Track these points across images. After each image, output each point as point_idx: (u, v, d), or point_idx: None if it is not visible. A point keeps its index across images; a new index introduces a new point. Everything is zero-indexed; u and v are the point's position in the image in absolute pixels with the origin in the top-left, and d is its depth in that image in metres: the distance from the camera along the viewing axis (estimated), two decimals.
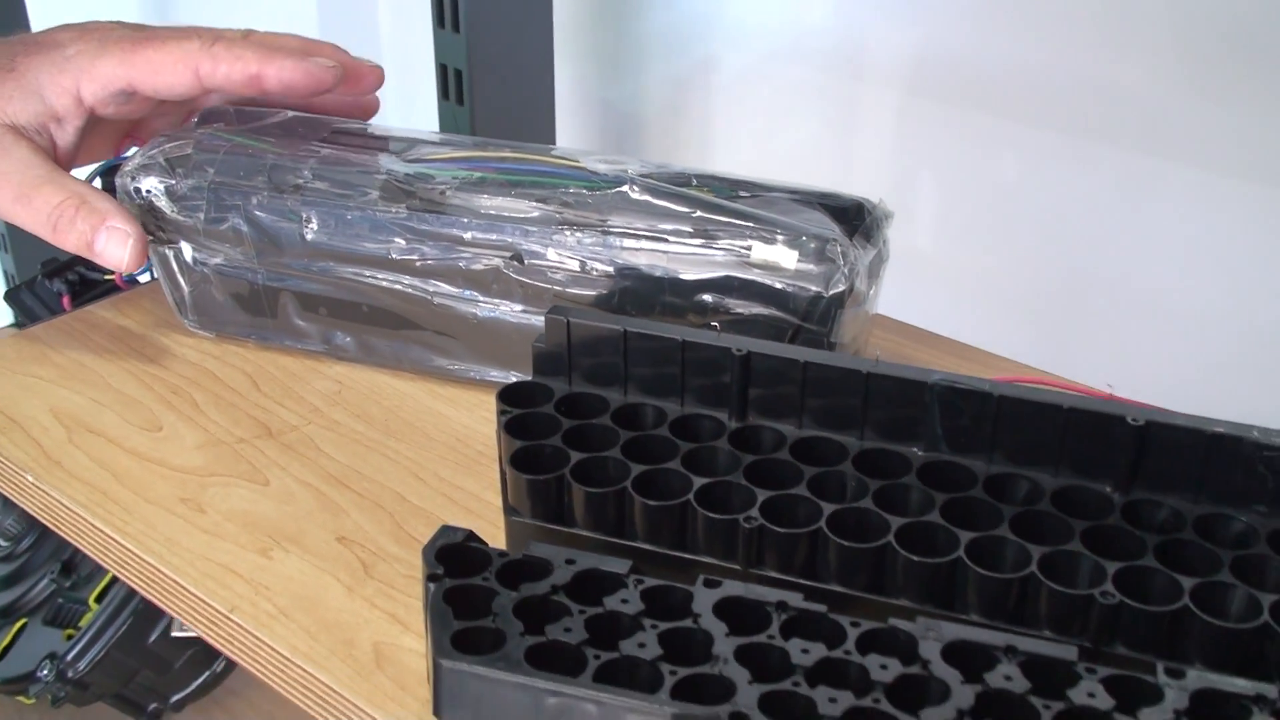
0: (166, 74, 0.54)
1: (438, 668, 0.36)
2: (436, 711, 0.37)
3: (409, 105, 0.92)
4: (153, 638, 0.80)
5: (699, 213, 0.52)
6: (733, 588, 0.40)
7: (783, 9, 0.87)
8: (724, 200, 0.53)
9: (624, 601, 0.39)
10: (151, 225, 0.56)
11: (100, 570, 0.82)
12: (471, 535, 0.42)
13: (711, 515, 0.43)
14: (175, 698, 0.84)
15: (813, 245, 0.50)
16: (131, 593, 0.79)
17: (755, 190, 0.54)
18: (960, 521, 0.42)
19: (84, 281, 0.64)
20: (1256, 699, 0.36)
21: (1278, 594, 0.39)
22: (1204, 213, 0.73)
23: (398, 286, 0.55)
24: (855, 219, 0.53)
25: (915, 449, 0.46)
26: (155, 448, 0.52)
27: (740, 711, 0.35)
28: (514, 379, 0.54)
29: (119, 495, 0.50)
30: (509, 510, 0.46)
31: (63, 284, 0.63)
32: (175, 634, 0.70)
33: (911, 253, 0.86)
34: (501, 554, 0.41)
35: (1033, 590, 0.40)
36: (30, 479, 0.51)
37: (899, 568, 0.41)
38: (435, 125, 0.80)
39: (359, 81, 0.59)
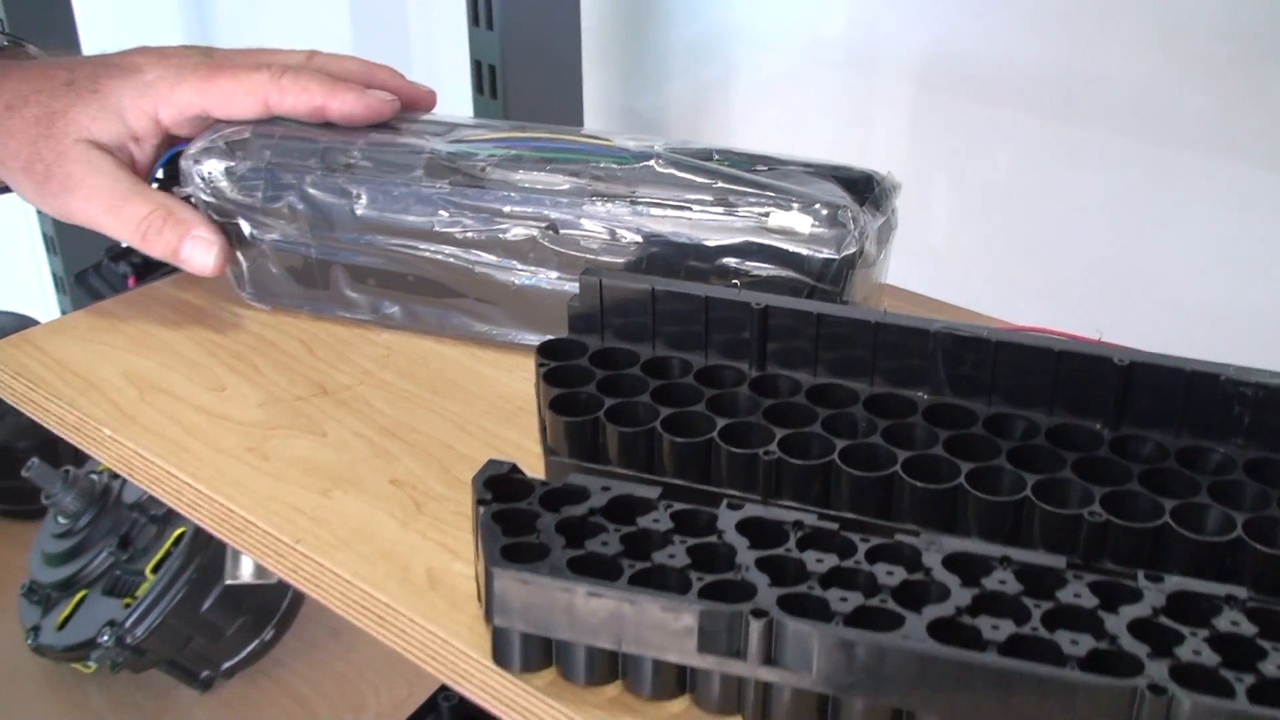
0: (237, 104, 0.59)
1: (490, 576, 0.41)
2: (488, 616, 0.41)
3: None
4: (206, 605, 0.85)
5: (720, 183, 0.56)
6: (753, 509, 0.44)
7: (801, 15, 0.91)
8: (743, 172, 0.57)
9: (655, 521, 0.43)
10: (213, 204, 0.61)
11: (156, 542, 0.86)
12: (515, 468, 0.46)
13: (734, 450, 0.47)
14: (226, 665, 0.89)
15: (825, 212, 0.54)
16: (186, 562, 0.84)
17: (772, 164, 0.58)
18: (961, 455, 0.46)
19: (147, 263, 0.69)
20: (1227, 598, 0.40)
21: (1251, 513, 0.43)
22: (1213, 202, 0.77)
23: (441, 257, 0.59)
24: (865, 189, 0.57)
25: (920, 393, 0.50)
26: (220, 405, 0.57)
27: (760, 608, 0.39)
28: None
29: (190, 445, 0.54)
30: (548, 451, 0.50)
31: (128, 266, 0.68)
32: (230, 581, 0.74)
33: (925, 242, 0.90)
34: (543, 483, 0.45)
35: (1027, 512, 0.44)
36: (108, 432, 0.55)
37: (905, 494, 0.45)
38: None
39: (413, 107, 0.63)
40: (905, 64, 0.89)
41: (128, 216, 0.58)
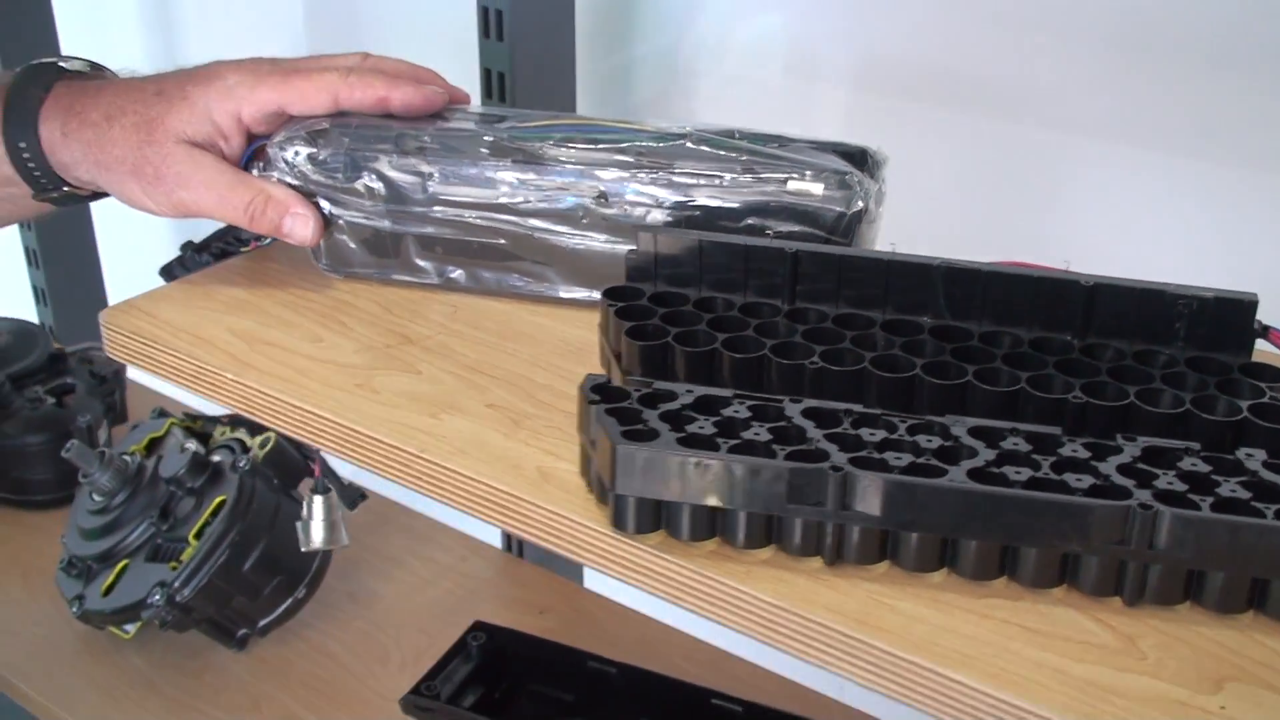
0: (312, 99, 0.68)
1: (615, 452, 0.51)
2: (612, 487, 0.51)
3: None
4: (247, 565, 0.93)
5: (745, 157, 0.67)
6: (810, 402, 0.55)
7: (750, 28, 1.04)
8: (760, 147, 0.68)
9: (735, 412, 0.54)
10: (297, 186, 0.70)
11: (195, 513, 0.94)
12: (610, 379, 0.56)
13: (783, 361, 0.58)
14: (262, 622, 0.97)
15: (835, 177, 0.66)
16: (229, 528, 0.92)
17: (782, 141, 0.70)
18: (964, 362, 0.58)
19: (224, 253, 0.77)
20: (1185, 450, 0.52)
21: (1194, 393, 0.55)
22: (1120, 184, 0.90)
23: (503, 225, 0.69)
24: (861, 161, 0.69)
25: (925, 318, 0.62)
26: (322, 353, 0.66)
27: (837, 465, 0.50)
28: (599, 297, 0.69)
29: (306, 384, 0.63)
30: (624, 372, 0.60)
31: (209, 256, 0.77)
32: (305, 548, 0.81)
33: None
34: (635, 389, 0.55)
35: (1023, 400, 0.56)
36: (230, 376, 0.64)
37: (925, 391, 0.57)
38: None
39: (456, 101, 0.74)
40: (842, 69, 1.01)
41: (236, 203, 0.68)
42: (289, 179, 0.70)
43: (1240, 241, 0.87)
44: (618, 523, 0.53)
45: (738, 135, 0.69)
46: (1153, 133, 0.88)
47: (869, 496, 0.49)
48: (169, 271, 0.78)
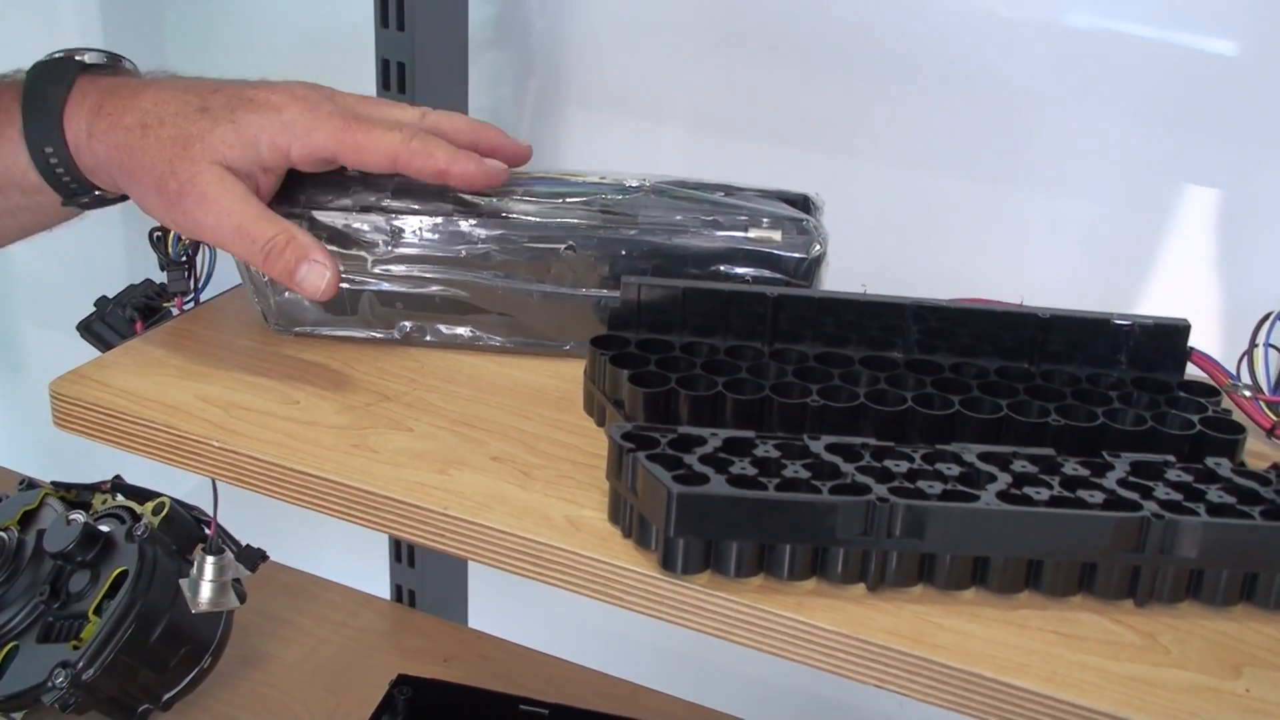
0: (368, 159, 0.66)
1: (672, 498, 0.53)
2: (667, 529, 0.53)
3: None
4: (153, 638, 0.89)
5: (704, 207, 0.70)
6: (829, 438, 0.58)
7: (600, 73, 1.08)
8: (714, 196, 0.72)
9: (765, 452, 0.57)
10: None
11: (92, 587, 0.89)
12: (635, 427, 0.58)
13: (785, 401, 0.61)
14: (166, 696, 0.92)
15: (793, 224, 0.70)
16: (133, 601, 0.88)
17: (729, 190, 0.73)
18: (946, 393, 0.63)
19: (148, 308, 0.75)
20: (1165, 462, 0.58)
21: (1150, 410, 0.62)
22: (878, 194, 0.99)
23: (468, 279, 0.70)
24: (805, 206, 0.73)
25: (895, 353, 0.66)
26: (303, 415, 0.65)
27: (883, 497, 0.53)
28: (564, 346, 0.71)
29: (300, 447, 0.62)
30: (626, 418, 0.62)
31: (133, 310, 0.74)
32: (194, 610, 0.78)
33: None
34: (662, 434, 0.58)
35: (1008, 425, 0.61)
36: (217, 444, 0.63)
37: (918, 422, 0.61)
38: None
39: (514, 163, 0.71)
40: (677, 101, 1.07)
41: (255, 237, 0.64)
42: None
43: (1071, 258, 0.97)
44: (667, 564, 0.54)
45: (690, 185, 0.72)
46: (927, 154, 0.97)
47: (914, 524, 0.53)
48: (88, 328, 0.74)
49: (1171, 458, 0.58)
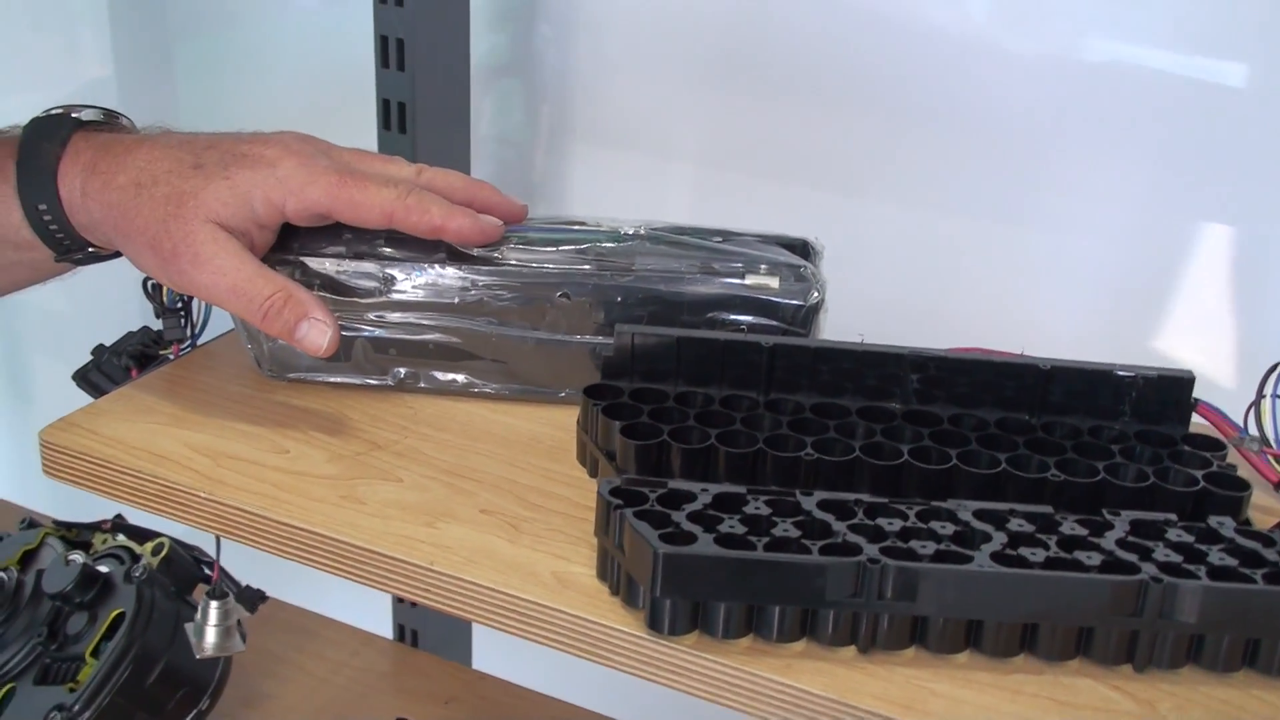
0: (363, 215, 0.65)
1: (658, 558, 0.52)
2: (653, 592, 0.52)
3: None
4: (150, 680, 0.88)
5: (700, 253, 0.70)
6: (821, 494, 0.57)
7: (608, 107, 1.07)
8: (710, 242, 0.71)
9: (756, 509, 0.56)
10: None
11: (90, 629, 0.89)
12: (624, 482, 0.57)
13: (779, 454, 0.60)
14: None
15: (790, 271, 0.69)
16: (130, 643, 0.87)
17: (727, 235, 0.72)
18: (943, 446, 0.61)
19: (144, 355, 0.74)
20: (1165, 522, 0.57)
21: (1152, 465, 0.61)
22: (888, 233, 0.98)
23: (461, 326, 0.69)
24: (803, 252, 0.72)
25: (894, 404, 0.65)
26: (293, 464, 0.64)
27: (874, 558, 0.52)
28: (559, 394, 0.70)
29: (287, 498, 0.62)
30: (619, 470, 0.61)
31: (128, 359, 0.73)
32: (199, 655, 0.78)
33: None
34: (651, 489, 0.57)
35: (1005, 480, 0.60)
36: (203, 495, 0.62)
37: (914, 477, 0.60)
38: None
39: (510, 220, 0.70)
40: (686, 137, 1.06)
41: (252, 296, 0.63)
42: None
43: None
44: (654, 625, 0.53)
45: (687, 231, 0.72)
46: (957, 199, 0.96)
47: (906, 586, 0.52)
48: (84, 377, 0.74)
49: (1173, 516, 0.57)
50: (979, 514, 0.56)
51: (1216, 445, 0.63)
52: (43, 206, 0.66)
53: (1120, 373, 0.64)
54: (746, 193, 1.05)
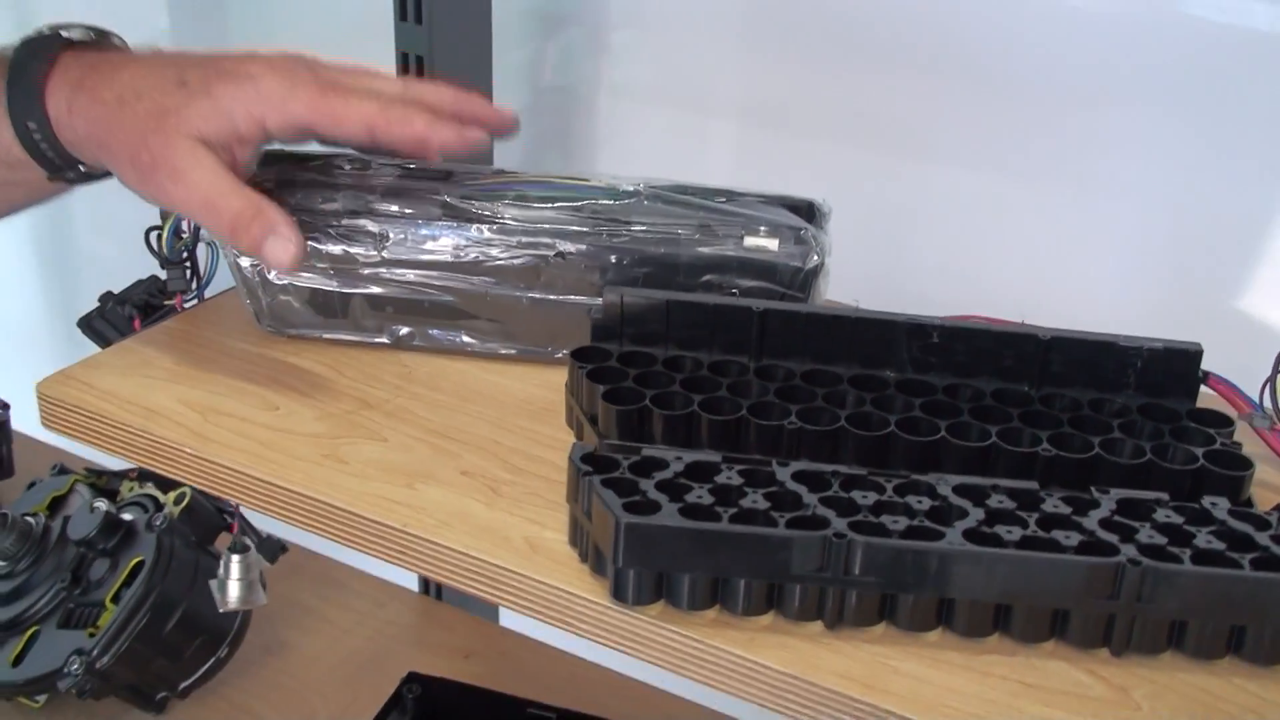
0: (345, 128, 0.64)
1: (619, 527, 0.51)
2: (615, 562, 0.52)
3: None
4: (168, 628, 0.90)
5: (699, 213, 0.68)
6: (798, 465, 0.56)
7: (654, 55, 1.05)
8: (711, 202, 0.69)
9: (729, 479, 0.55)
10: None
11: (111, 574, 0.91)
12: (597, 448, 0.56)
13: (762, 422, 0.59)
14: (183, 685, 0.93)
15: (790, 233, 0.67)
16: (148, 590, 0.89)
17: (731, 195, 0.71)
18: (934, 416, 0.60)
19: (148, 305, 0.75)
20: (1156, 501, 0.54)
21: (1152, 441, 0.58)
22: (980, 209, 0.94)
23: (457, 284, 0.68)
24: (809, 214, 0.70)
25: (889, 372, 0.63)
26: (281, 421, 0.64)
27: (840, 532, 0.51)
28: (555, 353, 0.69)
29: (271, 456, 0.62)
30: (600, 435, 0.61)
31: (131, 308, 0.74)
32: (222, 609, 0.79)
33: None
34: (624, 456, 0.56)
35: (994, 453, 0.58)
36: (190, 451, 0.62)
37: (900, 448, 0.58)
38: None
39: (499, 131, 0.69)
40: (728, 94, 1.03)
41: (222, 210, 0.63)
42: None
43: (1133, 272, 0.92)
44: (618, 594, 0.53)
45: (689, 190, 0.70)
46: (1015, 164, 0.92)
47: (872, 562, 0.50)
48: (88, 324, 0.75)
49: (1164, 496, 0.55)
50: (959, 489, 0.54)
51: (1223, 421, 0.61)
52: (32, 124, 0.66)
53: (1124, 344, 0.62)
54: (788, 152, 1.02)
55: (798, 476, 0.55)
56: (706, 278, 0.67)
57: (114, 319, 0.74)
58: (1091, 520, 0.53)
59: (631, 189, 0.69)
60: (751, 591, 0.52)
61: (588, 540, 0.54)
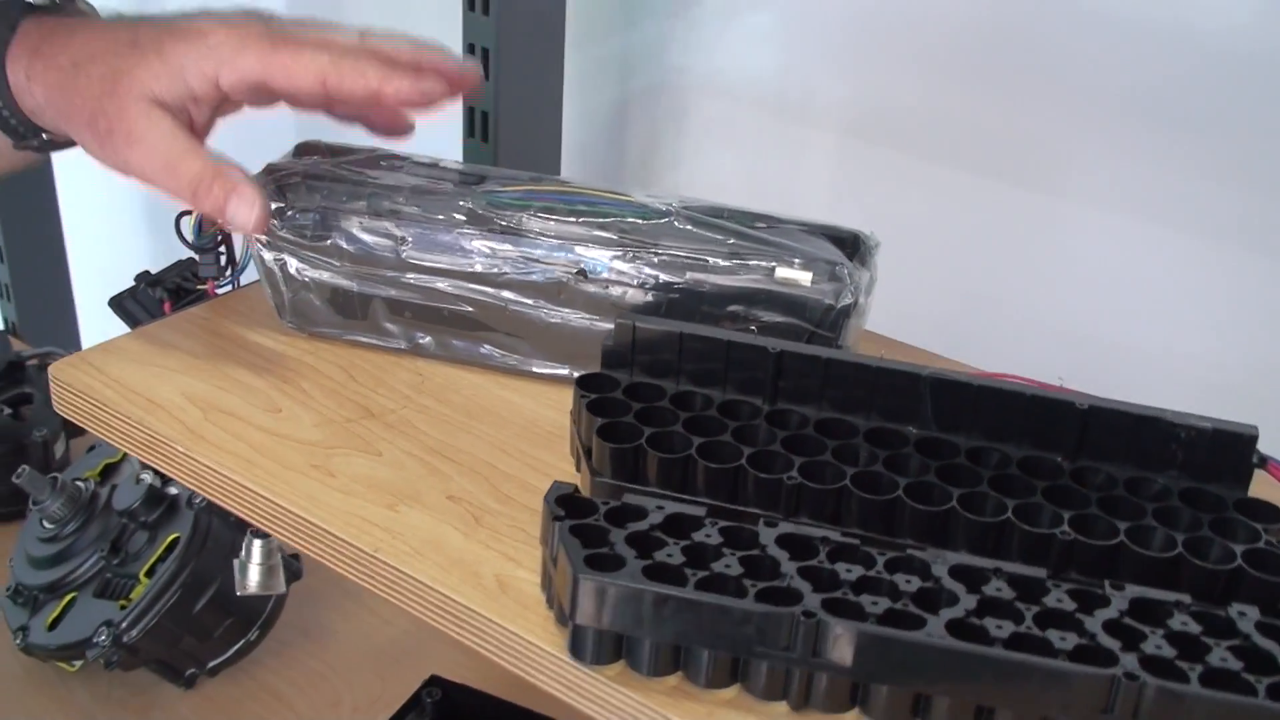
0: (298, 78, 0.62)
1: (576, 582, 0.48)
2: (572, 617, 0.49)
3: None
4: (198, 606, 0.90)
5: (731, 240, 0.64)
6: (787, 526, 0.52)
7: (739, 64, 1.00)
8: (748, 229, 0.65)
9: (707, 536, 0.51)
10: (263, 242, 0.67)
11: (148, 548, 0.91)
12: (577, 489, 0.53)
13: (761, 475, 0.55)
14: (212, 663, 0.94)
15: (825, 267, 0.63)
16: (180, 567, 0.89)
17: (771, 222, 0.67)
18: (949, 482, 0.55)
19: (180, 289, 0.74)
20: (1176, 604, 0.49)
21: (1188, 534, 0.53)
22: (1096, 247, 0.87)
23: (477, 295, 0.66)
24: (852, 247, 0.66)
25: (911, 428, 0.59)
26: (279, 425, 0.63)
27: (809, 610, 0.47)
28: (572, 374, 0.66)
29: (260, 462, 0.60)
30: (593, 473, 0.58)
31: (164, 291, 0.73)
32: (241, 593, 0.79)
33: None
34: (604, 502, 0.53)
35: (1008, 531, 0.53)
36: (181, 449, 0.61)
37: (906, 515, 0.54)
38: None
39: (459, 87, 0.65)
40: (829, 102, 0.98)
41: (182, 173, 0.62)
42: (256, 234, 0.67)
43: (1241, 319, 0.85)
44: (575, 651, 0.50)
45: (726, 214, 0.66)
46: (1157, 206, 0.85)
47: (841, 646, 0.47)
48: (119, 304, 0.75)
49: (1185, 598, 0.49)
50: (956, 570, 0.50)
51: (1276, 515, 0.55)
52: None
53: (1170, 420, 0.56)
54: (894, 171, 0.96)
55: (783, 540, 0.51)
56: (732, 308, 0.64)
57: (145, 300, 0.74)
58: (1096, 621, 0.48)
59: (664, 208, 0.66)
60: (715, 663, 0.49)
61: (554, 588, 0.52)
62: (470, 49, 0.88)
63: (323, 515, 0.57)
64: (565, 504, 0.52)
